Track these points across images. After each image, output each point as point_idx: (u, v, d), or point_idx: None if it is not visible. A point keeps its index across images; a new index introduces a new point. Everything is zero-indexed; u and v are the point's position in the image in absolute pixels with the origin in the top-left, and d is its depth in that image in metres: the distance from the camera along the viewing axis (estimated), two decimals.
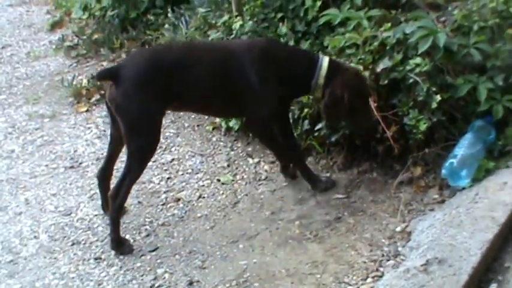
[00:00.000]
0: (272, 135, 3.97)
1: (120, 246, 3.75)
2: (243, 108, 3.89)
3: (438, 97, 3.92)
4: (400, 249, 3.50)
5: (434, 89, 3.95)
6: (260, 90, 3.76)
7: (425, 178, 3.99)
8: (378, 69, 4.12)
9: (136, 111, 3.62)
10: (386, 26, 4.27)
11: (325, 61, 3.87)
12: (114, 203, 3.71)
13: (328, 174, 4.26)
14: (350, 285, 3.29)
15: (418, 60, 4.02)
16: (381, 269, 3.37)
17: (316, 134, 4.34)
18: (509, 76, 3.95)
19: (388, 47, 4.17)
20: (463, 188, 3.81)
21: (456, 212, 3.54)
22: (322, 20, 4.62)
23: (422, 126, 3.91)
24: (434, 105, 3.92)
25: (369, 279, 3.31)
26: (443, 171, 3.85)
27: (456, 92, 3.98)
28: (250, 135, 4.50)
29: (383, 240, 3.61)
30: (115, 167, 4.05)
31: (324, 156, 4.40)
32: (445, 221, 3.51)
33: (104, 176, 3.98)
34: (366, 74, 4.13)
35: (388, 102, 4.16)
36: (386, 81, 4.10)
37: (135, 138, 3.65)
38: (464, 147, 3.88)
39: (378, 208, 3.91)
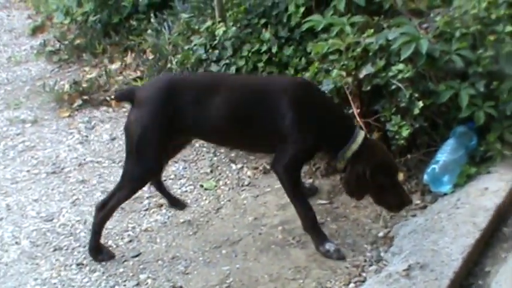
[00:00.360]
0: (298, 182, 3.70)
1: (99, 254, 3.72)
2: (269, 146, 3.68)
3: (420, 103, 3.95)
4: (382, 254, 3.52)
5: (416, 95, 3.98)
6: (295, 131, 3.50)
7: (407, 184, 4.01)
8: (361, 75, 4.15)
9: (139, 137, 3.54)
10: (369, 32, 4.29)
11: (360, 135, 3.58)
12: (98, 215, 3.69)
13: (311, 181, 4.27)
14: None
15: (400, 66, 4.05)
16: (364, 274, 3.38)
17: None
18: (490, 82, 3.98)
19: (370, 53, 4.20)
20: (445, 194, 3.84)
21: (438, 217, 3.57)
22: (305, 26, 4.63)
23: (405, 132, 3.94)
24: (416, 111, 3.95)
25: (352, 284, 3.31)
26: (425, 177, 3.88)
27: (438, 98, 4.01)
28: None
29: (365, 246, 3.62)
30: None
31: (307, 162, 4.40)
32: (427, 226, 3.53)
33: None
34: (349, 80, 4.15)
35: (370, 108, 4.19)
36: (369, 88, 4.14)
37: (133, 162, 3.59)
38: (446, 153, 3.91)
39: (361, 214, 3.92)
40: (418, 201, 3.90)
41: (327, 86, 4.20)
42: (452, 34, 4.13)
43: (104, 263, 3.70)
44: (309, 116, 3.53)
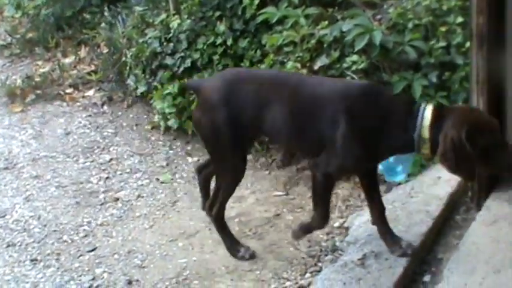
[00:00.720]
0: (331, 188, 3.30)
1: (235, 251, 3.55)
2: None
3: None
4: (338, 244, 3.54)
5: None
6: (345, 142, 3.07)
7: None
8: (316, 67, 4.18)
9: (213, 140, 3.37)
10: (323, 24, 4.33)
11: (427, 110, 3.01)
12: (210, 216, 3.59)
13: (267, 172, 4.29)
14: (289, 280, 3.30)
15: (354, 57, 4.09)
16: (320, 264, 3.39)
17: None
18: (442, 73, 4.04)
19: (325, 45, 4.23)
20: (399, 183, 3.88)
21: (392, 206, 3.61)
22: (260, 18, 4.65)
23: None
24: None
25: (308, 274, 3.33)
26: (380, 167, 3.90)
27: (392, 89, 4.05)
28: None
29: (321, 236, 3.63)
30: None
31: (263, 154, 4.42)
32: None
33: (203, 173, 3.81)
34: (304, 71, 4.17)
35: None
36: None
37: (216, 158, 3.46)
38: None
39: None
40: None
41: None
42: (405, 25, 4.19)
43: (58, 258, 3.65)
44: (363, 127, 3.08)
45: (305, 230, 3.38)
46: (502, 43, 3.50)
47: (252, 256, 3.50)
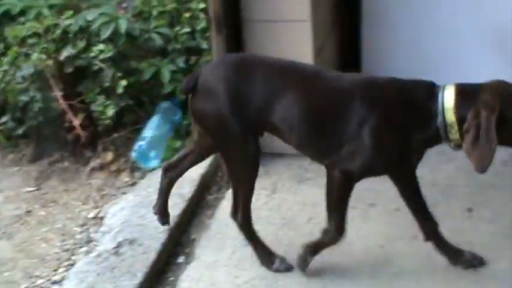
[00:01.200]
0: (349, 192, 2.80)
1: (266, 260, 3.06)
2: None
3: (124, 82, 4.00)
4: (92, 235, 3.47)
5: (119, 74, 4.02)
6: (371, 139, 2.68)
7: (116, 162, 4.02)
8: (62, 58, 4.09)
9: (221, 132, 2.87)
10: (68, 14, 4.26)
11: (448, 91, 2.63)
12: (237, 222, 3.04)
13: (17, 168, 4.11)
14: (41, 278, 3.17)
15: (101, 46, 4.07)
16: (74, 258, 3.30)
17: (1, 127, 4.17)
18: (189, 58, 4.14)
19: (70, 35, 4.16)
20: (154, 169, 3.91)
21: (147, 192, 3.63)
22: (1, 10, 4.45)
23: (110, 112, 3.96)
24: (120, 90, 4.00)
25: (61, 269, 3.21)
26: (133, 154, 3.93)
27: (141, 75, 4.08)
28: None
29: (75, 229, 3.55)
30: None
31: (12, 149, 4.24)
32: (136, 202, 3.57)
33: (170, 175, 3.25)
34: (50, 62, 4.06)
35: (74, 90, 4.14)
36: (71, 69, 4.10)
37: (230, 161, 2.97)
38: (152, 129, 4.00)
39: (70, 197, 3.84)
40: (128, 179, 3.93)
41: (26, 71, 4.08)
42: (150, 13, 4.24)
43: None
44: (392, 121, 2.72)
45: (314, 249, 2.92)
46: (239, 27, 3.66)
47: (289, 268, 3.02)
